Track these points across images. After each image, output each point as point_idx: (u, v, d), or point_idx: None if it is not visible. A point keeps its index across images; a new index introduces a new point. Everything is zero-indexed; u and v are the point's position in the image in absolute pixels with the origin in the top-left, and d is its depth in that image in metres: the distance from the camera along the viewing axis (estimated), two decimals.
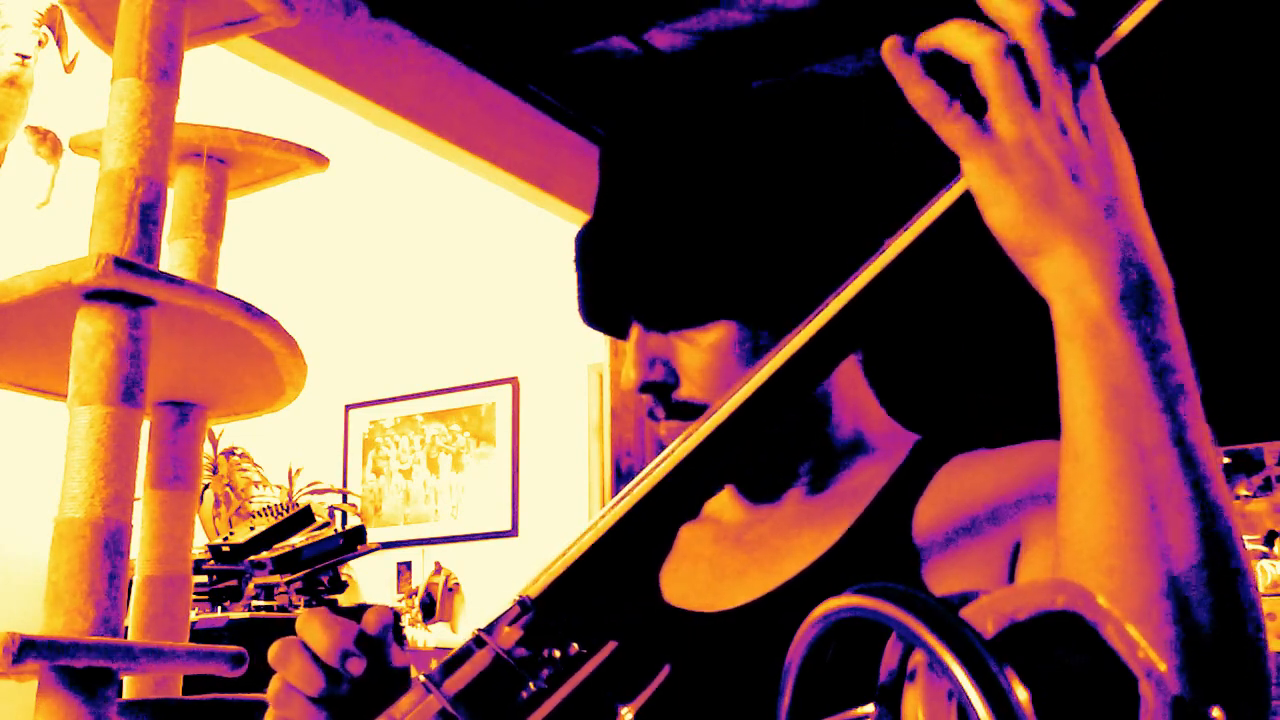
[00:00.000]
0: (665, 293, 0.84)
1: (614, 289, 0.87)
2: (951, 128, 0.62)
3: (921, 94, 0.63)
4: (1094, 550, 0.60)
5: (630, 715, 0.61)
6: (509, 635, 0.63)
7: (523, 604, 0.64)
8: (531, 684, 0.62)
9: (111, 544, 1.29)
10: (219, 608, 2.81)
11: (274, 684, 0.73)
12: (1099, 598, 0.35)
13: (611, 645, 0.63)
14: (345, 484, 4.58)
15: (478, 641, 0.64)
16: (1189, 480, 0.59)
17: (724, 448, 0.66)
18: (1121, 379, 0.60)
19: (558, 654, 0.63)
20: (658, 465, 0.66)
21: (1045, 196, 0.61)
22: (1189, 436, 0.60)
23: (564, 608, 0.64)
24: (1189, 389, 0.61)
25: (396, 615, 0.76)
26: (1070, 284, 0.61)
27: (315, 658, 0.71)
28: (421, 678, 0.63)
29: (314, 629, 0.71)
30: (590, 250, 0.88)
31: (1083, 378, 0.61)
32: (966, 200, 0.64)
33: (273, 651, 0.73)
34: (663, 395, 0.86)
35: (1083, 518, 0.61)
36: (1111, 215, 0.61)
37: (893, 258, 0.65)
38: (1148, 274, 0.61)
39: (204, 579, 2.78)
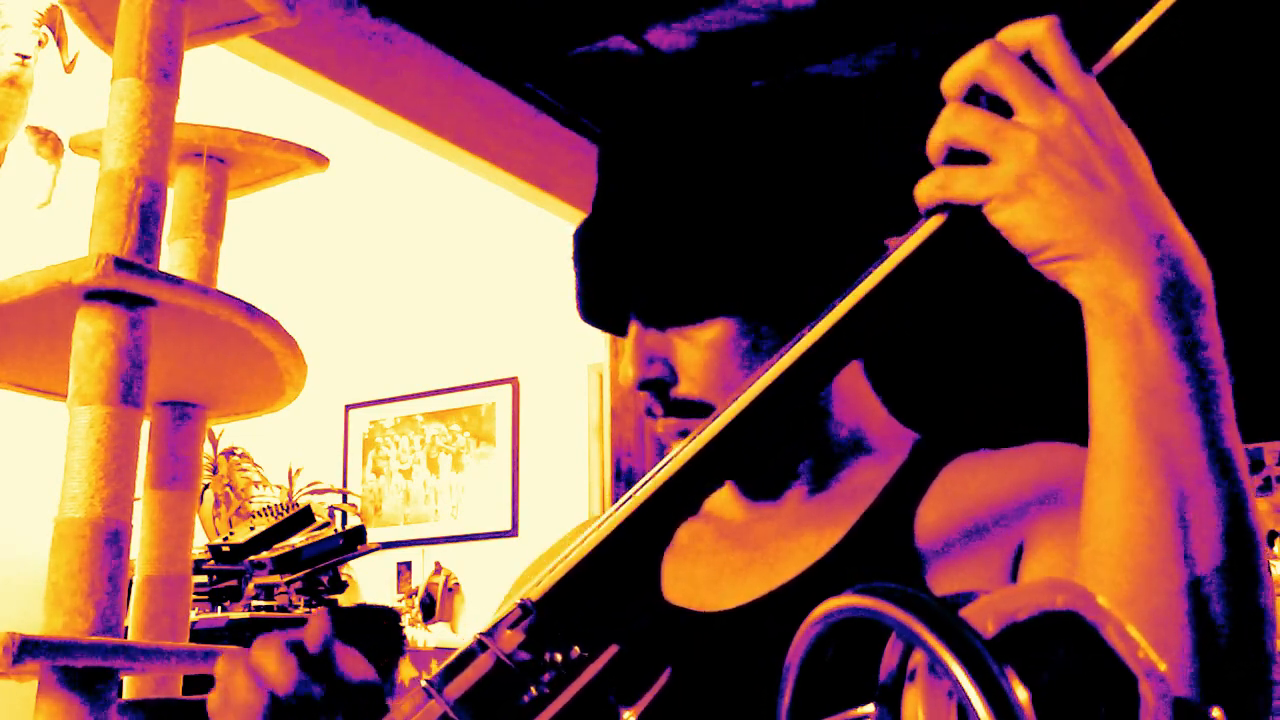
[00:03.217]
0: (664, 288, 0.84)
1: (612, 285, 0.87)
2: (978, 133, 0.62)
3: (948, 127, 0.63)
4: (1116, 549, 0.60)
5: (633, 718, 0.61)
6: (510, 639, 0.63)
7: (524, 607, 0.64)
8: (533, 688, 0.62)
9: (111, 544, 1.29)
10: (219, 608, 2.81)
11: (213, 698, 0.71)
12: (1099, 597, 0.35)
13: (613, 648, 0.63)
14: (345, 484, 4.58)
15: (479, 645, 0.64)
16: (1218, 482, 0.59)
17: (728, 452, 0.66)
18: (1155, 379, 0.60)
19: (559, 657, 0.63)
20: (661, 469, 0.66)
21: (1080, 198, 0.61)
22: (1222, 438, 0.60)
23: (566, 611, 0.64)
24: (1223, 389, 0.61)
25: (391, 614, 0.75)
26: (1106, 284, 0.61)
27: (260, 680, 0.69)
28: (423, 682, 0.63)
29: (269, 665, 0.68)
30: (589, 246, 0.87)
31: (1116, 378, 0.61)
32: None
33: (218, 667, 0.71)
34: (661, 393, 0.86)
35: (1107, 516, 0.61)
36: (1143, 213, 0.61)
37: (898, 262, 0.65)
38: (1184, 272, 0.61)
39: (204, 579, 2.78)
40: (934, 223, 0.64)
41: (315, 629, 0.70)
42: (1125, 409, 0.60)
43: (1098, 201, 0.61)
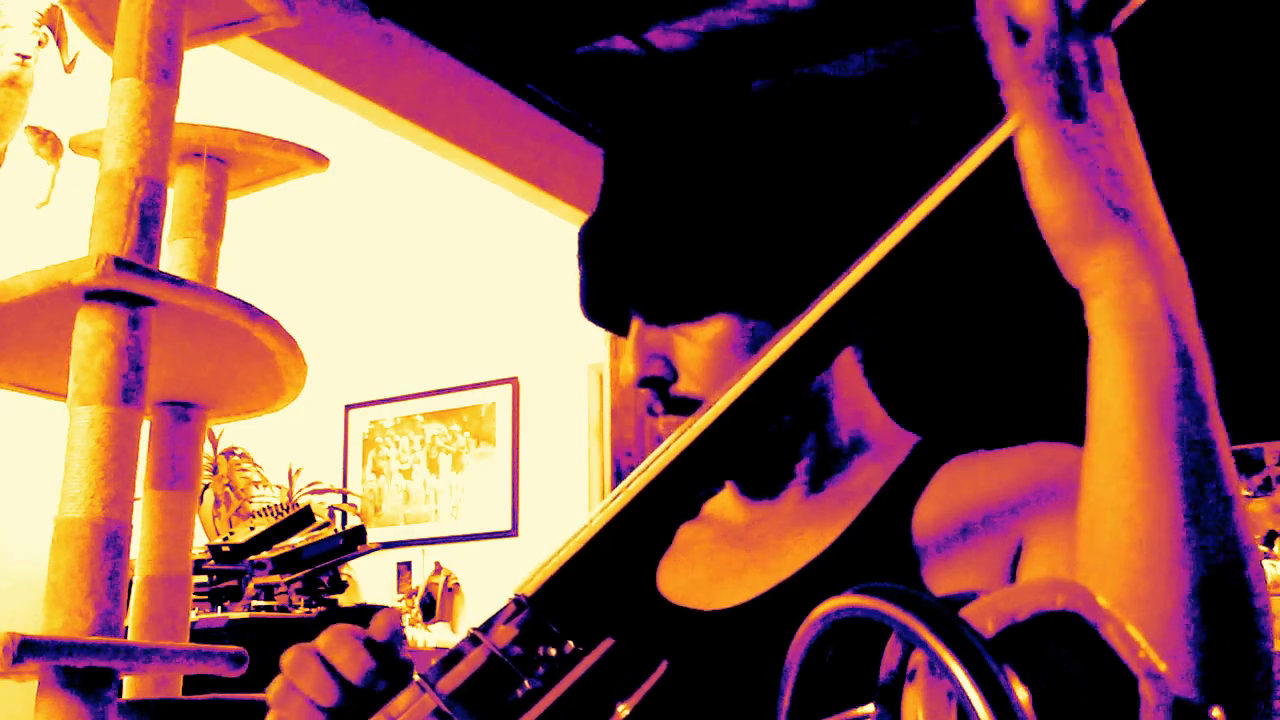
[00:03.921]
0: (665, 285, 0.85)
1: (615, 282, 0.88)
2: (1037, 90, 0.60)
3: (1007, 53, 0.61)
4: (1126, 550, 0.59)
5: (627, 712, 0.61)
6: (504, 633, 0.63)
7: (518, 602, 0.64)
8: (527, 682, 0.62)
9: (111, 544, 1.29)
10: (219, 608, 2.81)
11: (277, 684, 0.73)
12: (1099, 597, 0.35)
13: (607, 642, 0.63)
14: (345, 484, 4.58)
15: (473, 640, 0.64)
16: (1215, 480, 0.59)
17: (720, 442, 0.66)
18: (1163, 376, 0.59)
19: (553, 652, 0.63)
20: (653, 461, 0.66)
21: (1120, 186, 0.60)
22: (1213, 437, 0.60)
23: (560, 605, 0.64)
24: (1212, 389, 0.61)
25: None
26: (1125, 276, 0.60)
27: (331, 670, 0.71)
28: (417, 676, 0.63)
29: (343, 655, 0.70)
30: (593, 243, 0.88)
31: (1126, 373, 0.60)
32: (967, 188, 0.64)
33: (286, 658, 0.72)
34: (661, 390, 0.86)
35: (1116, 518, 0.60)
36: (1159, 211, 0.61)
37: (890, 249, 0.65)
38: (1180, 268, 0.61)
39: (204, 579, 2.78)
40: (947, 186, 0.64)
41: (384, 622, 0.72)
42: (1136, 408, 0.60)
43: (1137, 190, 0.60)
